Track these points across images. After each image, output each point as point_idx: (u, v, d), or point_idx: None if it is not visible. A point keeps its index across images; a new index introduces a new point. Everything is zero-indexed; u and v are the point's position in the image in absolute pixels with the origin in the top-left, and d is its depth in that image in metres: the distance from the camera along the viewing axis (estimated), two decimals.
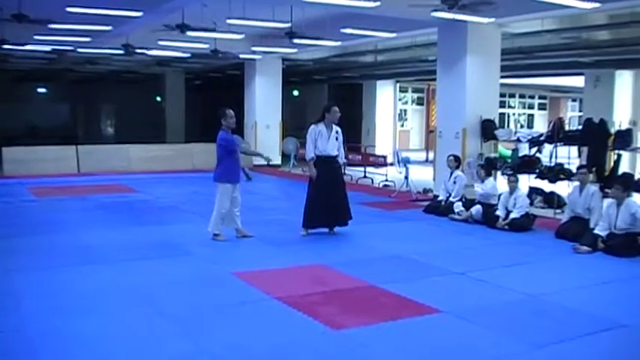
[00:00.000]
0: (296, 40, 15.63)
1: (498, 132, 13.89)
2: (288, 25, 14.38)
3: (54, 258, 8.62)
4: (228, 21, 13.39)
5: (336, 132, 10.33)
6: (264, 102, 23.02)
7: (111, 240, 9.83)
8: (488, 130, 13.90)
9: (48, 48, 19.74)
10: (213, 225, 9.82)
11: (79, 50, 20.40)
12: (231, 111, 9.90)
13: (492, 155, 14.07)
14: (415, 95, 34.09)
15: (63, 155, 20.22)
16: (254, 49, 19.37)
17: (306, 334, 5.84)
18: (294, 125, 27.76)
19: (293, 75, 26.60)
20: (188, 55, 21.10)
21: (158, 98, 33.16)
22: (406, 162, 15.61)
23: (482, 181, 11.97)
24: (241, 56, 21.25)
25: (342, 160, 10.63)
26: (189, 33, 14.51)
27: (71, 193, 15.16)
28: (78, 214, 12.35)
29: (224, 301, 6.77)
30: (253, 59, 22.44)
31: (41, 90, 34.43)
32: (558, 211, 12.30)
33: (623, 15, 12.95)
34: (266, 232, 10.39)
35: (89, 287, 7.22)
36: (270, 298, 6.82)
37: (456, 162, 12.86)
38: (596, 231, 9.42)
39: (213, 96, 32.25)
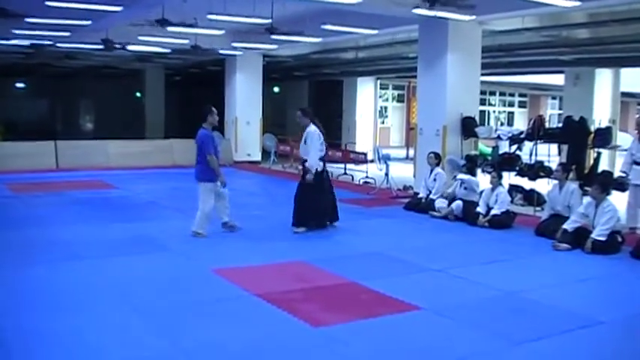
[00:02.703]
0: (276, 36, 15.58)
1: (479, 129, 13.92)
2: (269, 21, 14.32)
3: (30, 254, 8.53)
4: (209, 16, 13.32)
5: (305, 135, 10.26)
6: (245, 98, 22.93)
7: (88, 236, 9.75)
8: (468, 127, 13.93)
9: (26, 42, 19.55)
10: (198, 225, 9.72)
11: (58, 45, 20.21)
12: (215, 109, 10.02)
13: (473, 153, 14.10)
14: (396, 92, 34.15)
15: (41, 151, 19.99)
16: (234, 44, 19.29)
17: (285, 331, 5.82)
18: (274, 122, 27.73)
19: (274, 71, 26.53)
20: (168, 50, 21.00)
21: (138, 94, 32.98)
22: (386, 159, 15.61)
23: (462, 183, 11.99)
24: (222, 52, 21.17)
25: (310, 161, 10.21)
26: (170, 28, 14.42)
27: (49, 189, 15.00)
28: (56, 210, 12.22)
29: (202, 298, 6.73)
30: (234, 55, 22.35)
31: (19, 85, 34.12)
32: (538, 208, 12.35)
33: (603, 14, 13.01)
34: (246, 229, 10.32)
35: (65, 284, 7.15)
36: (250, 295, 6.79)
37: (437, 159, 12.90)
38: (564, 226, 9.49)
39: (193, 92, 32.08)
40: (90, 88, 33.60)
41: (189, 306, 6.43)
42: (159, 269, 7.95)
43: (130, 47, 19.66)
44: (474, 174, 12.29)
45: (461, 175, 12.15)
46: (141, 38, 17.71)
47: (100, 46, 18.87)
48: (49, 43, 19.66)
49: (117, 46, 18.57)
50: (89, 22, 15.01)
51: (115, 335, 5.57)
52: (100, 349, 5.26)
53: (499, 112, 37.27)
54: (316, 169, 10.24)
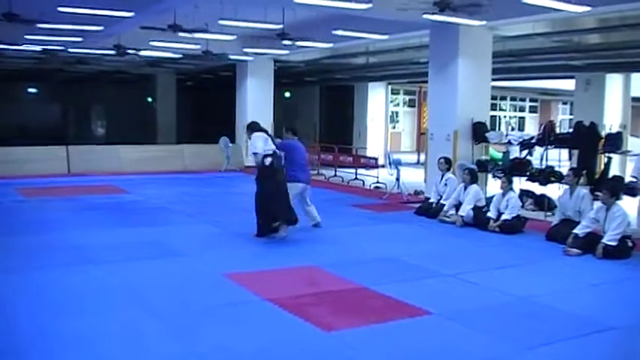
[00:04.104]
0: (288, 42, 15.63)
1: (489, 134, 13.91)
2: (280, 26, 14.37)
3: (42, 258, 8.57)
4: (220, 22, 13.38)
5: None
6: (256, 103, 22.96)
7: (101, 240, 9.78)
8: (479, 132, 13.93)
9: (39, 48, 19.67)
10: None
11: (70, 50, 20.33)
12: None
13: (483, 158, 14.09)
14: (407, 97, 34.13)
15: (53, 155, 20.08)
16: (246, 50, 19.35)
17: (296, 335, 5.83)
18: (285, 127, 27.75)
19: (285, 77, 26.58)
20: (180, 55, 21.07)
21: (149, 99, 33.09)
22: (397, 164, 15.59)
23: (466, 188, 11.97)
24: (233, 57, 21.23)
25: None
26: (181, 34, 14.48)
27: (61, 194, 15.07)
28: (67, 215, 12.28)
29: (214, 303, 6.76)
30: (245, 60, 22.42)
31: (31, 90, 34.30)
32: (549, 213, 12.33)
33: (613, 19, 13.02)
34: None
35: (78, 288, 7.18)
36: (261, 300, 6.80)
37: (447, 164, 12.90)
38: (574, 231, 9.48)
39: (204, 97, 32.20)
40: (101, 93, 33.75)
41: (200, 310, 6.46)
42: (170, 274, 7.97)
43: (142, 52, 19.76)
44: (475, 180, 12.16)
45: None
46: (152, 44, 17.80)
47: (112, 52, 18.99)
48: (60, 48, 19.78)
49: (129, 51, 18.67)
50: (101, 28, 15.10)
51: (127, 339, 5.61)
52: (111, 352, 5.30)
53: (510, 117, 37.23)
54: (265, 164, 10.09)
